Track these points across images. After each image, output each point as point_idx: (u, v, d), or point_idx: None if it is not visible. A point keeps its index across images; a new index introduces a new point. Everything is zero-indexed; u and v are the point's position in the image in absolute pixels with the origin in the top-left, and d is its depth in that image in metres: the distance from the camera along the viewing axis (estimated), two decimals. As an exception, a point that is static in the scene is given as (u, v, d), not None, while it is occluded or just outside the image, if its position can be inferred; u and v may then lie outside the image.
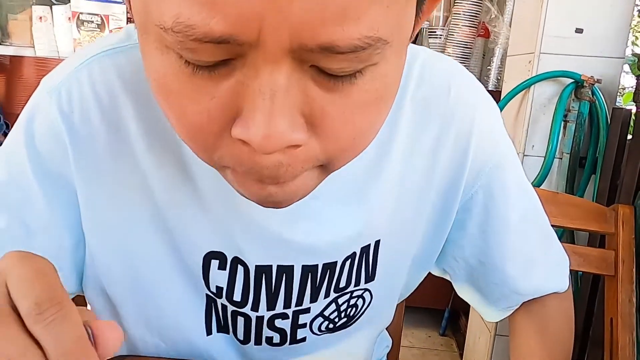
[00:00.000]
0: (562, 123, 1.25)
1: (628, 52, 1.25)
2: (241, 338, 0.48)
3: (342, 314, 0.49)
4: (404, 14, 0.27)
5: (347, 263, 0.47)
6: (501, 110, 1.36)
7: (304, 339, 0.50)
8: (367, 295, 0.49)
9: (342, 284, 0.48)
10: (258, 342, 0.48)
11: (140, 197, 0.42)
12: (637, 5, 1.29)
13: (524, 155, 1.32)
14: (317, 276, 0.46)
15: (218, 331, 0.48)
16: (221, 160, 0.30)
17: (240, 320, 0.47)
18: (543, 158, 1.27)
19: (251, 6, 0.23)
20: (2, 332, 0.22)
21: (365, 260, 0.48)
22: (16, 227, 0.41)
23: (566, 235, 1.23)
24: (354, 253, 0.47)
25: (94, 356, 0.22)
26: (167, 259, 0.44)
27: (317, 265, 0.45)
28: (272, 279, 0.45)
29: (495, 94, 1.58)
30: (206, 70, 0.26)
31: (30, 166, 0.41)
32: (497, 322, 1.19)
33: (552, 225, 0.99)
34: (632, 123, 1.15)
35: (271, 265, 0.44)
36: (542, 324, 0.53)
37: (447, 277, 0.56)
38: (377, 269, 0.48)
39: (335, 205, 0.44)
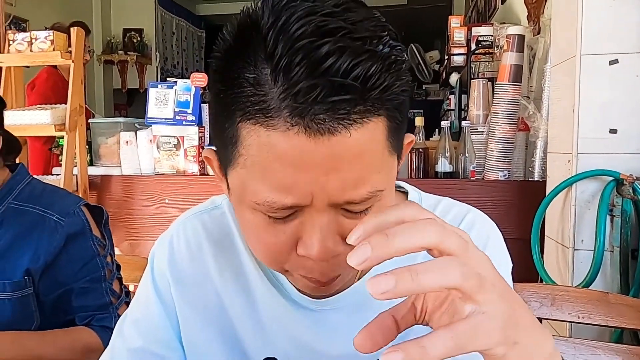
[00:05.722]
0: (609, 217, 1.29)
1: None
2: None
3: None
4: (391, 170, 0.45)
5: None
6: (547, 207, 1.43)
7: None
8: None
9: None
10: None
11: (217, 313, 0.57)
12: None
13: (574, 249, 1.36)
14: None
15: None
16: (290, 269, 0.47)
17: None
18: (593, 252, 1.31)
19: (307, 190, 0.41)
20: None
21: None
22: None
23: (625, 334, 1.23)
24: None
25: None
26: None
27: None
28: None
29: (541, 184, 1.64)
30: (281, 219, 0.44)
31: (154, 294, 0.59)
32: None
33: (608, 326, 1.00)
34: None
35: None
36: None
37: None
38: None
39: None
